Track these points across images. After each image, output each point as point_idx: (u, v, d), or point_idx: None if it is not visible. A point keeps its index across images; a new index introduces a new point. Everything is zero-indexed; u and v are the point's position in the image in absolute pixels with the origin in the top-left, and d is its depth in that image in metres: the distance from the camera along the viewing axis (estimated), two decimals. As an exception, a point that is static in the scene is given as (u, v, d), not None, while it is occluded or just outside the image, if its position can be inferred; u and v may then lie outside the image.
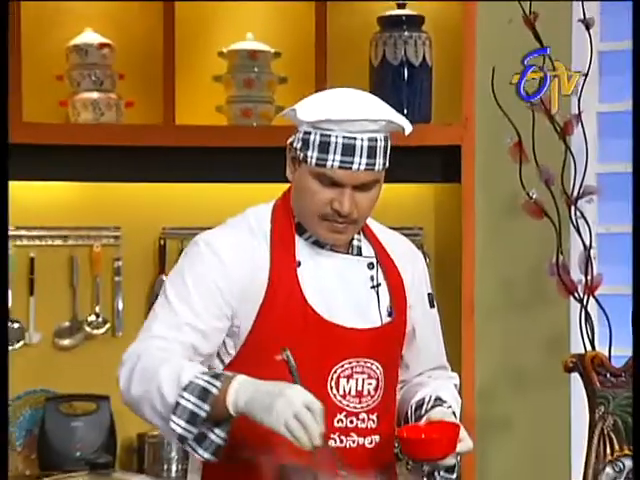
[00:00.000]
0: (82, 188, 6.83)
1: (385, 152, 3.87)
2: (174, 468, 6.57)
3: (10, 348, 6.65)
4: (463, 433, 3.83)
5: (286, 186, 4.47)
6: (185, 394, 3.59)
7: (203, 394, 3.58)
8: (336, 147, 3.77)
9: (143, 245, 6.93)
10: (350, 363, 3.88)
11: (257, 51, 6.79)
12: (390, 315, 3.99)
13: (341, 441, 3.89)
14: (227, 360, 3.93)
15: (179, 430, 3.62)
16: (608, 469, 4.22)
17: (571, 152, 5.20)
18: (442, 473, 3.89)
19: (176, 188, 6.79)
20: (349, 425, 3.90)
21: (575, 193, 5.23)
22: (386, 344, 3.97)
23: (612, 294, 5.29)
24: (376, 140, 3.83)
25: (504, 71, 5.06)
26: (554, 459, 6.49)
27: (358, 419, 3.91)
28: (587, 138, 5.24)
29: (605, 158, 6.46)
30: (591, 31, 5.54)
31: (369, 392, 3.91)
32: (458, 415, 4.06)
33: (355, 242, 4.00)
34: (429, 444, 3.77)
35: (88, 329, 6.82)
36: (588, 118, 5.92)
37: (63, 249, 6.85)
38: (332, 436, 3.85)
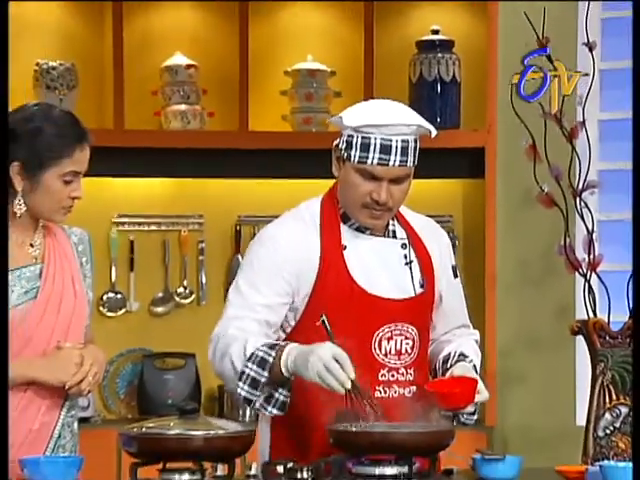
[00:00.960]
0: (172, 183, 6.87)
1: (415, 151, 3.86)
2: (247, 414, 6.56)
3: (114, 315, 6.77)
4: (480, 386, 3.82)
5: (332, 182, 4.58)
6: (248, 364, 3.69)
7: (262, 363, 3.67)
8: (375, 147, 3.78)
9: (222, 230, 6.93)
10: (389, 327, 3.87)
11: (316, 70, 6.79)
12: (422, 287, 3.95)
13: (385, 392, 3.86)
14: (288, 330, 3.93)
15: (243, 393, 3.73)
16: (607, 415, 4.15)
17: (576, 152, 5.17)
18: (465, 415, 3.86)
19: (249, 183, 6.81)
20: (391, 379, 3.88)
21: (580, 186, 5.14)
22: (419, 311, 3.95)
23: (611, 270, 5.21)
24: (408, 141, 3.82)
25: (521, 85, 5.06)
26: (562, 407, 6.46)
27: (398, 373, 3.88)
28: (590, 141, 5.25)
29: (605, 158, 6.36)
30: (594, 52, 5.49)
31: (407, 350, 3.90)
32: (479, 366, 4.04)
33: (390, 226, 3.97)
34: (451, 397, 3.76)
35: (177, 299, 6.88)
36: (591, 125, 5.77)
37: (157, 233, 6.87)
38: (377, 388, 3.84)
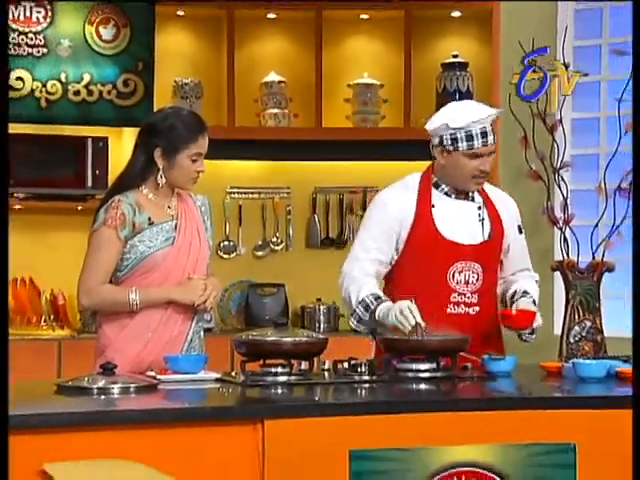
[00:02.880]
0: (268, 165, 6.89)
1: (494, 132, 3.86)
2: (322, 327, 6.60)
3: (227, 256, 6.80)
4: (537, 316, 3.85)
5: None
6: (359, 306, 3.75)
7: (367, 308, 3.73)
8: (477, 135, 3.77)
9: (303, 198, 6.94)
10: (461, 264, 3.82)
11: (370, 84, 6.81)
12: (489, 237, 3.88)
13: (454, 309, 3.83)
14: (393, 263, 3.90)
15: (353, 326, 3.82)
16: (576, 327, 4.01)
17: (556, 142, 5.12)
18: (526, 335, 3.85)
19: (322, 165, 6.83)
20: (459, 300, 3.83)
21: (558, 165, 5.19)
22: (485, 254, 3.88)
23: (580, 225, 5.01)
24: (492, 125, 3.84)
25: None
26: (544, 322, 6.23)
27: (465, 297, 3.83)
28: (565, 133, 5.20)
29: (576, 145, 6.10)
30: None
31: (472, 281, 3.84)
32: (537, 299, 3.97)
33: (470, 193, 3.92)
34: (517, 321, 3.77)
35: (272, 246, 6.93)
36: (566, 122, 5.70)
37: (257, 200, 6.89)
38: (449, 306, 3.83)
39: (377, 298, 3.75)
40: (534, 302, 3.92)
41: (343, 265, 3.91)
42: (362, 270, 3.85)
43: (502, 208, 3.99)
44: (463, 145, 3.80)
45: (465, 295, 3.85)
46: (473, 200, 3.94)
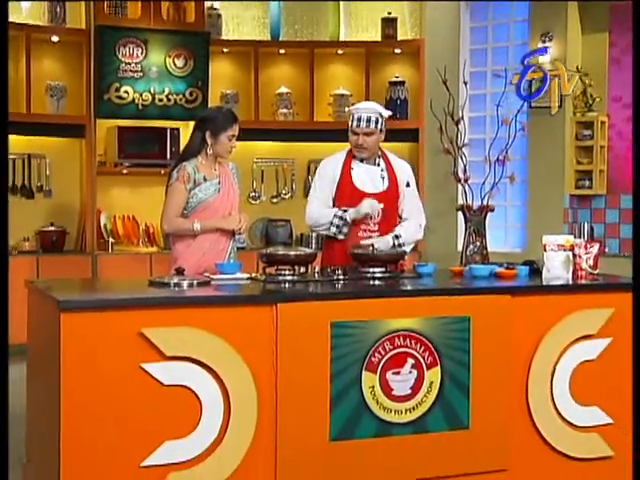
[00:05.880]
0: (280, 145, 6.70)
1: (377, 121, 3.58)
2: (313, 246, 6.36)
3: (253, 202, 6.64)
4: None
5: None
6: (334, 219, 3.58)
7: (340, 217, 3.57)
8: (357, 119, 3.58)
9: (302, 166, 6.73)
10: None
11: (343, 94, 6.66)
12: (387, 188, 3.63)
13: (363, 234, 3.55)
14: (330, 204, 3.64)
15: (332, 234, 3.60)
16: (471, 245, 3.78)
17: (459, 130, 5.10)
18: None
19: (314, 145, 6.53)
20: (366, 227, 3.60)
21: (461, 145, 5.21)
22: (383, 199, 3.60)
23: (474, 182, 4.77)
24: (375, 116, 3.59)
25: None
26: (451, 242, 6.33)
27: (369, 226, 3.60)
28: (465, 125, 5.24)
29: (472, 133, 6.13)
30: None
31: (374, 216, 3.59)
32: (404, 235, 3.62)
33: (377, 159, 3.66)
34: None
35: (282, 196, 6.80)
36: (465, 118, 5.84)
37: (272, 166, 6.73)
38: (359, 232, 3.59)
39: (344, 210, 3.59)
40: (395, 237, 3.61)
41: (307, 208, 3.69)
42: (319, 206, 3.67)
43: (398, 170, 3.71)
44: (349, 124, 3.64)
45: (369, 225, 3.62)
46: (378, 165, 3.69)
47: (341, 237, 3.61)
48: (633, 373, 2.96)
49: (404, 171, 3.75)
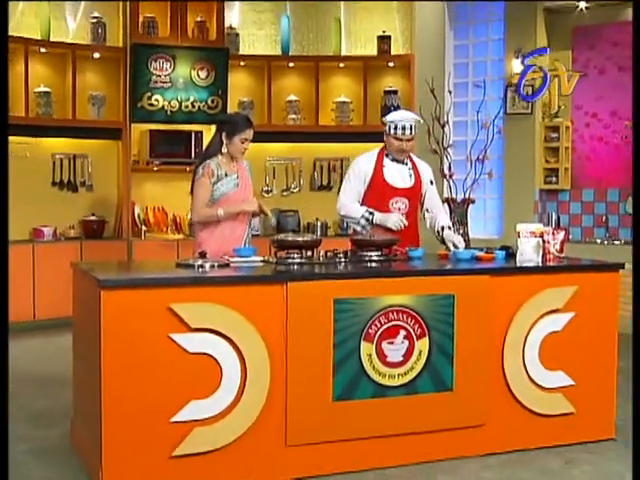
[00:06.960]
0: (289, 145, 6.61)
1: (415, 128, 3.60)
2: (318, 233, 6.35)
3: (266, 195, 6.51)
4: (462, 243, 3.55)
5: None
6: (362, 218, 3.58)
7: (367, 219, 3.57)
8: (398, 127, 3.59)
9: (309, 164, 6.66)
10: (396, 198, 3.61)
11: (344, 101, 6.60)
12: (413, 185, 3.66)
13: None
14: (360, 200, 3.65)
15: (359, 229, 3.60)
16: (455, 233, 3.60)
17: (445, 133, 4.38)
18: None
19: (319, 145, 6.56)
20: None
21: (446, 146, 4.94)
22: (410, 193, 3.65)
23: (457, 178, 4.39)
24: (412, 124, 3.60)
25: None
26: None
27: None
28: (450, 128, 4.58)
29: (456, 135, 5.71)
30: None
31: (402, 208, 3.61)
32: (449, 223, 3.66)
33: (405, 159, 3.67)
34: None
35: (291, 190, 6.70)
36: (450, 122, 5.67)
37: (283, 164, 6.67)
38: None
39: (370, 213, 3.60)
40: (449, 227, 3.66)
41: (339, 198, 3.67)
42: (350, 200, 3.66)
43: (421, 170, 3.77)
44: (391, 132, 3.65)
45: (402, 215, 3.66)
46: (406, 164, 3.73)
47: (364, 232, 3.58)
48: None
49: (426, 170, 3.79)
